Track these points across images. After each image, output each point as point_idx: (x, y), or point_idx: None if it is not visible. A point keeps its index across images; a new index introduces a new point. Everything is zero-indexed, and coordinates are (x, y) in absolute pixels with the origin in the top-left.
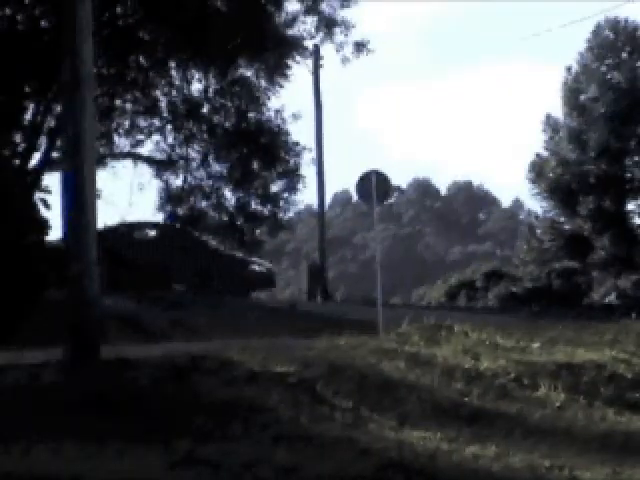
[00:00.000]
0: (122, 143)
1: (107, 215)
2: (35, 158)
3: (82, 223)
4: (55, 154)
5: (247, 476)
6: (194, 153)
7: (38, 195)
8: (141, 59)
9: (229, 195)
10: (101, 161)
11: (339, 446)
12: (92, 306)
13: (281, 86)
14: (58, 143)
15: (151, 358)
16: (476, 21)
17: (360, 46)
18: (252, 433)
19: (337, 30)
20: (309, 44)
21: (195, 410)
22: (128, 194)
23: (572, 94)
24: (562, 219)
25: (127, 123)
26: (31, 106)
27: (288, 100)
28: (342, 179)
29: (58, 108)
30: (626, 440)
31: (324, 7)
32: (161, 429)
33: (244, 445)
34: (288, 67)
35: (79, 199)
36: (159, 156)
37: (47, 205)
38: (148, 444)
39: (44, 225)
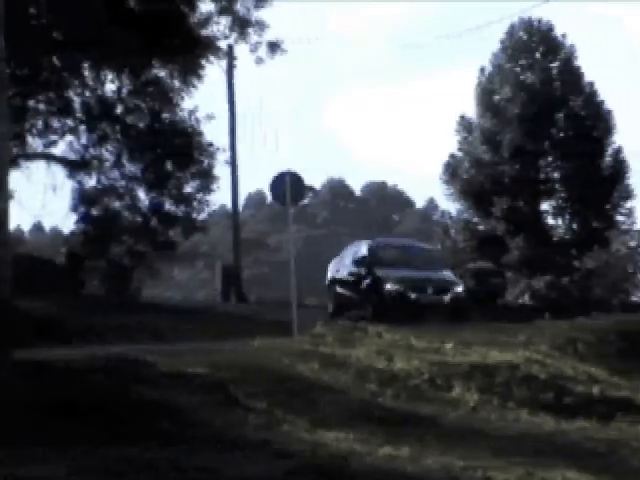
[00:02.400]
0: (35, 144)
1: (20, 217)
2: None
3: None
4: None
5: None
6: (108, 154)
7: None
8: (55, 60)
9: (143, 196)
10: (14, 162)
11: (253, 448)
12: (3, 308)
13: (195, 87)
14: None
15: (64, 361)
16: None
17: (274, 46)
18: (166, 436)
19: (251, 30)
20: (223, 44)
21: (105, 413)
22: (41, 195)
23: (486, 95)
24: (476, 220)
25: (40, 123)
26: None
27: (204, 101)
28: (257, 180)
29: None
30: (539, 441)
31: (238, 7)
32: (73, 432)
33: (157, 448)
34: (202, 67)
35: None
36: (73, 157)
37: None
38: (52, 446)
39: None
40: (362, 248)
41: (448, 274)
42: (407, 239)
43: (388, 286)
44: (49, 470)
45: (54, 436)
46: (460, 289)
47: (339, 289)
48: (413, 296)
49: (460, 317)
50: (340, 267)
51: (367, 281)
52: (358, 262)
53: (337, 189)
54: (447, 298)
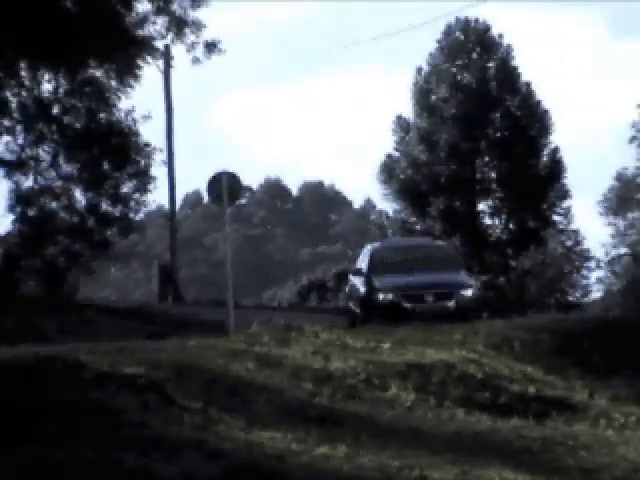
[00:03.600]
0: None
1: None
2: None
3: None
4: None
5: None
6: (44, 154)
7: None
8: None
9: (80, 196)
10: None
11: (189, 448)
12: None
13: (131, 87)
14: None
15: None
16: (331, 22)
17: (211, 46)
18: (101, 436)
19: (188, 30)
20: (160, 44)
21: (42, 413)
22: None
23: (422, 95)
24: (413, 219)
25: None
26: None
27: (139, 101)
28: (194, 180)
29: None
30: (475, 440)
31: (175, 7)
32: (7, 433)
33: (93, 448)
34: (139, 67)
35: None
36: (9, 157)
37: None
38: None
39: None
40: (365, 254)
41: (457, 275)
42: (419, 239)
43: (380, 296)
44: None
45: None
46: (469, 292)
47: (349, 302)
48: (408, 306)
49: (465, 320)
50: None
51: (362, 291)
52: (356, 271)
53: (274, 189)
54: (452, 304)
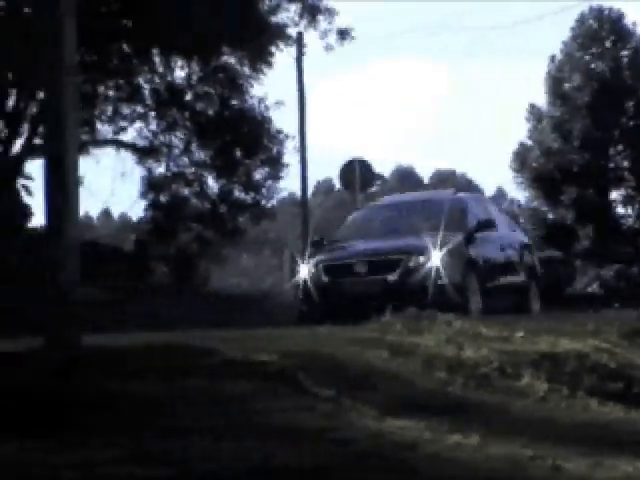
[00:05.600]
0: (104, 130)
1: (89, 203)
2: (17, 145)
3: (64, 210)
4: (37, 141)
5: (216, 469)
6: (177, 140)
7: (20, 182)
8: (124, 46)
9: (212, 183)
10: (83, 148)
11: (319, 436)
12: (69, 295)
13: (264, 74)
14: (40, 130)
15: (128, 348)
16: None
17: (344, 34)
18: (232, 425)
19: (321, 18)
20: (292, 32)
21: (169, 402)
22: (110, 182)
23: (556, 83)
24: (545, 208)
25: (110, 110)
26: (13, 93)
27: (271, 88)
28: (326, 167)
29: (40, 95)
30: (607, 430)
31: None
32: (134, 423)
33: (223, 438)
34: (271, 54)
35: (61, 186)
36: (141, 143)
37: (29, 192)
38: (106, 439)
39: (26, 211)
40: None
41: (425, 238)
42: (426, 193)
43: (300, 274)
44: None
45: (97, 429)
46: (421, 258)
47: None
48: (327, 281)
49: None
50: None
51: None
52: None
53: (405, 177)
54: (393, 277)
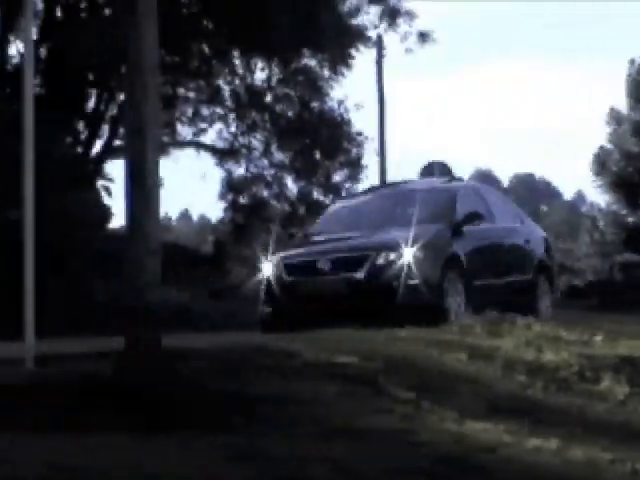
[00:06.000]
0: (185, 132)
1: (168, 204)
2: (97, 146)
3: (144, 211)
4: (117, 142)
5: (300, 471)
6: (256, 142)
7: (101, 183)
8: (204, 48)
9: (291, 184)
10: (164, 149)
11: (398, 439)
12: (150, 296)
13: (344, 76)
14: (120, 131)
15: (206, 349)
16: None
17: (424, 36)
18: (309, 426)
19: (401, 20)
20: (372, 34)
21: (247, 402)
22: (190, 183)
23: (636, 87)
24: (625, 212)
25: (190, 111)
26: (93, 94)
27: (349, 90)
28: (404, 169)
29: (121, 96)
30: None
31: None
32: (211, 423)
33: (299, 439)
34: (351, 57)
35: (141, 187)
36: (221, 145)
37: (109, 193)
38: (197, 438)
39: (106, 212)
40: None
41: (401, 233)
42: (424, 180)
43: (265, 272)
44: (199, 460)
45: (180, 428)
46: (392, 255)
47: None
48: (289, 280)
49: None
50: None
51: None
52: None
53: (484, 180)
54: (360, 275)
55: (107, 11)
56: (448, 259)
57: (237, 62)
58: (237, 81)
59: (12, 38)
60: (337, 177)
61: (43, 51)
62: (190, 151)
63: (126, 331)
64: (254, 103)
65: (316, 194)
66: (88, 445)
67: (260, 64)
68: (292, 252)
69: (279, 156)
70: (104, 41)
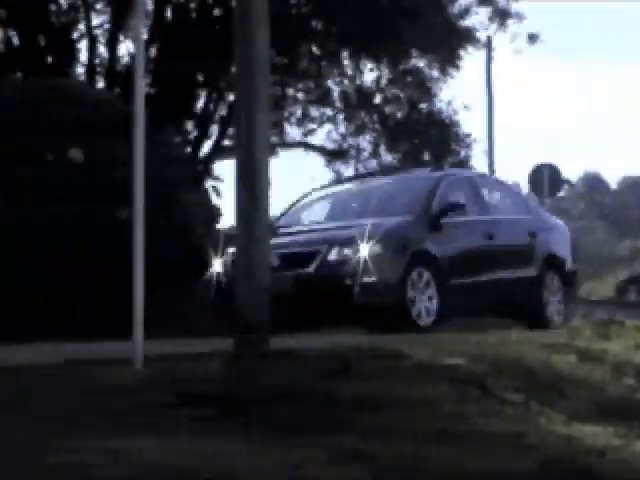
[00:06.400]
0: (293, 132)
1: (279, 205)
2: (206, 146)
3: (254, 212)
4: (226, 142)
5: (408, 472)
6: (365, 143)
7: (209, 183)
8: (313, 49)
9: None
10: (272, 150)
11: (506, 441)
12: (262, 297)
13: (452, 77)
14: (230, 131)
15: (315, 350)
16: None
17: (534, 37)
18: (418, 428)
19: (510, 22)
20: (481, 35)
21: (356, 403)
22: (299, 184)
23: None
24: None
25: (299, 112)
26: (203, 94)
27: (456, 91)
28: (513, 171)
29: (230, 96)
30: None
31: None
32: (321, 424)
33: (407, 440)
34: (460, 58)
35: (251, 187)
36: (330, 146)
37: (218, 193)
38: (306, 439)
39: (215, 212)
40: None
41: (358, 227)
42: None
43: (215, 268)
44: (304, 461)
45: (289, 429)
46: (355, 255)
47: None
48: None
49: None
50: None
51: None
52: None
53: (592, 182)
54: (311, 270)
55: (217, 11)
56: (416, 254)
57: (346, 63)
58: (346, 82)
59: (122, 38)
60: None
61: (153, 51)
62: (299, 152)
63: (234, 333)
64: (363, 104)
65: None
66: (204, 449)
67: (369, 65)
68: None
69: (387, 157)
70: (213, 41)
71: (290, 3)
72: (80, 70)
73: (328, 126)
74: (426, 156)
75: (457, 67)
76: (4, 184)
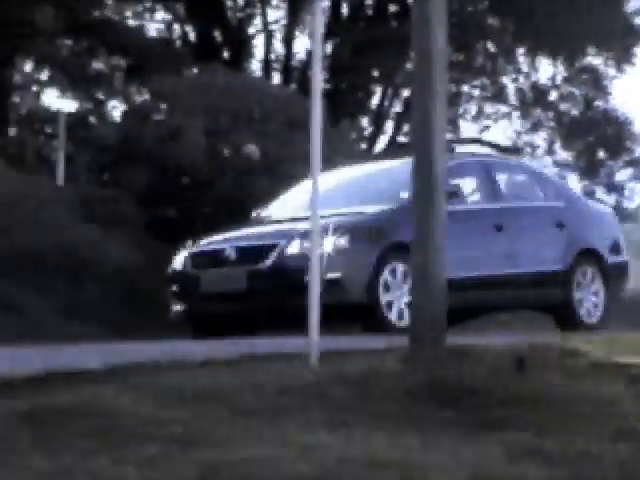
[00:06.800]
0: (467, 129)
1: None
2: (381, 142)
3: (430, 208)
4: (401, 138)
5: (586, 470)
6: (540, 140)
7: None
8: (489, 46)
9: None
10: (448, 146)
11: None
12: (438, 295)
13: (627, 74)
14: (404, 127)
15: (490, 347)
16: None
17: None
18: (594, 426)
19: None
20: None
21: (533, 402)
22: None
23: None
24: None
25: (474, 109)
26: (378, 90)
27: (631, 89)
28: None
29: (405, 92)
30: None
31: None
32: (498, 421)
33: (583, 439)
34: (635, 55)
35: (426, 184)
36: (505, 142)
37: None
38: (485, 436)
39: None
40: None
41: (326, 218)
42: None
43: (177, 261)
44: (484, 458)
45: (469, 426)
46: (294, 247)
47: None
48: (193, 274)
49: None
50: None
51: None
52: None
53: None
54: (267, 264)
55: (393, 7)
56: (390, 248)
57: (521, 60)
58: (522, 79)
59: (298, 33)
60: (620, 177)
61: (328, 46)
62: (473, 149)
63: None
64: (539, 101)
65: (599, 193)
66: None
67: (545, 62)
68: (212, 239)
69: (562, 155)
70: (388, 38)
71: (464, 1)
72: (255, 66)
73: (503, 123)
74: (600, 154)
75: (633, 65)
76: None
